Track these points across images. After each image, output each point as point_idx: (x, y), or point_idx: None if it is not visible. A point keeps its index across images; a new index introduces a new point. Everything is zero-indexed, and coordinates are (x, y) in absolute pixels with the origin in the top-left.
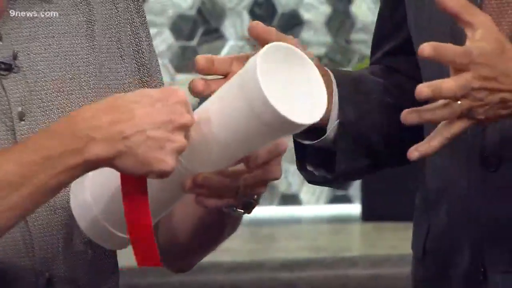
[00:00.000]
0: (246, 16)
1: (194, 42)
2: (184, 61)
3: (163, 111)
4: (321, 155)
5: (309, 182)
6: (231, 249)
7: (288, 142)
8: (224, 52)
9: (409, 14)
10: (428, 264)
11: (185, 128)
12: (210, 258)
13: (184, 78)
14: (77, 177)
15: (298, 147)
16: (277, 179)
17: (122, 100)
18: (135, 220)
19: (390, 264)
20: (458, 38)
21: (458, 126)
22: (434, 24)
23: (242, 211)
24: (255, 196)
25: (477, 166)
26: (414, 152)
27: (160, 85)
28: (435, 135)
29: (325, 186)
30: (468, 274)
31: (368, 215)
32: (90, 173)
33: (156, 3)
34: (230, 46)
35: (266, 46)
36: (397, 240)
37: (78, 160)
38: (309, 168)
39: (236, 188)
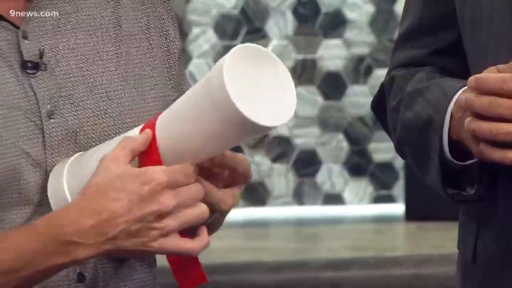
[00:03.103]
0: (289, 16)
1: (237, 42)
2: None
3: (141, 204)
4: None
5: (456, 202)
6: (275, 249)
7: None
8: None
9: (461, 9)
10: (480, 267)
11: (167, 213)
12: (254, 257)
13: None
14: (66, 268)
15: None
16: (226, 210)
17: (98, 199)
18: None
19: (433, 263)
20: None
21: None
22: (495, 24)
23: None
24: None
25: None
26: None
27: (186, 83)
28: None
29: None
30: None
31: (412, 214)
32: (68, 162)
33: (200, 3)
34: (274, 46)
35: (235, 48)
36: (441, 240)
37: (65, 260)
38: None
39: None
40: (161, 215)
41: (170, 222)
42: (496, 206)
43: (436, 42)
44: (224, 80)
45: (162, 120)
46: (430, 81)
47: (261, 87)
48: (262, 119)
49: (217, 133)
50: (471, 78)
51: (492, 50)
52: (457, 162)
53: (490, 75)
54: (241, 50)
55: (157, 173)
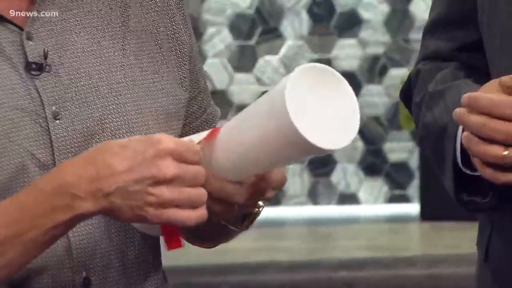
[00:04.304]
0: (304, 16)
1: (252, 41)
2: (242, 61)
3: (143, 165)
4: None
5: (470, 211)
6: (290, 248)
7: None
8: (283, 51)
9: (481, 10)
10: (491, 271)
11: (164, 182)
12: (269, 257)
13: (243, 77)
14: (69, 229)
15: (458, 176)
16: (269, 200)
17: (102, 152)
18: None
19: (448, 264)
20: None
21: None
22: (508, 28)
23: (237, 227)
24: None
25: None
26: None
27: (202, 77)
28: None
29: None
30: None
31: (427, 214)
32: None
33: (215, 2)
34: (289, 46)
35: (299, 68)
36: (456, 240)
37: (68, 216)
38: (469, 197)
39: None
40: (158, 181)
41: (166, 192)
42: (504, 216)
43: (463, 37)
44: (286, 104)
45: (223, 134)
46: (452, 83)
47: (323, 107)
48: (322, 142)
49: (275, 152)
50: (465, 96)
51: (506, 53)
52: (469, 172)
53: (483, 95)
54: (306, 70)
55: (164, 139)
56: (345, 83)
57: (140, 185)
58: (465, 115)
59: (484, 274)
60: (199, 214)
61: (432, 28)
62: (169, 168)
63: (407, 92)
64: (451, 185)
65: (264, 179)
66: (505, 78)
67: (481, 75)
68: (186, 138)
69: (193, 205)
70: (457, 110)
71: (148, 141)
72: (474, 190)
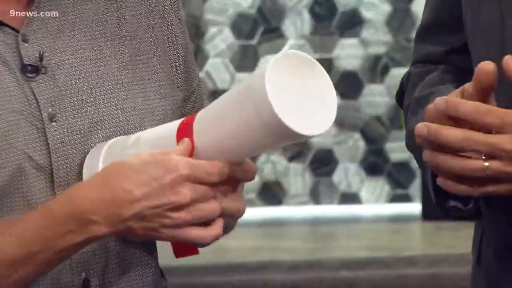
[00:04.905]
0: (306, 15)
1: (254, 41)
2: (244, 60)
3: (161, 191)
4: None
5: (454, 217)
6: (291, 248)
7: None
8: (284, 51)
9: (465, 15)
10: (484, 273)
11: (182, 206)
12: (270, 257)
13: (244, 77)
14: (81, 249)
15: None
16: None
17: (116, 176)
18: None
19: (449, 263)
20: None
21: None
22: (491, 33)
23: None
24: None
25: None
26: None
27: (195, 77)
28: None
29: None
30: None
31: (428, 214)
32: (109, 143)
33: (216, 2)
34: (290, 45)
35: (279, 54)
36: (457, 240)
37: (81, 238)
38: (453, 203)
39: None
40: (177, 207)
41: (184, 215)
42: (489, 223)
43: (453, 41)
44: (266, 88)
45: (200, 121)
46: (437, 88)
47: (302, 94)
48: (301, 127)
49: (255, 138)
50: (441, 100)
51: (489, 57)
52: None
53: (463, 102)
54: (285, 57)
55: (181, 164)
56: (323, 71)
57: (157, 210)
58: (440, 129)
59: (478, 276)
60: (214, 234)
61: (424, 33)
62: (187, 194)
63: (401, 96)
64: (432, 191)
65: (238, 166)
66: (467, 85)
67: (471, 77)
68: (165, 126)
69: (206, 220)
70: (422, 126)
71: (165, 167)
72: (457, 197)
